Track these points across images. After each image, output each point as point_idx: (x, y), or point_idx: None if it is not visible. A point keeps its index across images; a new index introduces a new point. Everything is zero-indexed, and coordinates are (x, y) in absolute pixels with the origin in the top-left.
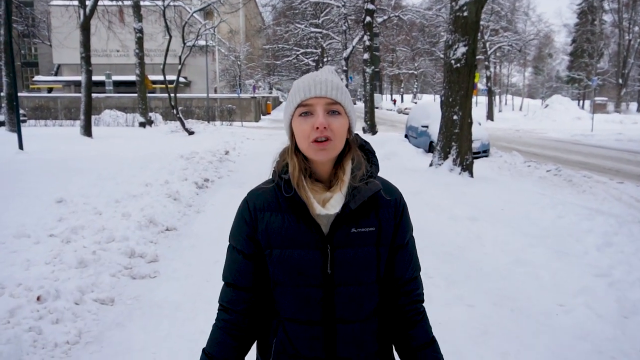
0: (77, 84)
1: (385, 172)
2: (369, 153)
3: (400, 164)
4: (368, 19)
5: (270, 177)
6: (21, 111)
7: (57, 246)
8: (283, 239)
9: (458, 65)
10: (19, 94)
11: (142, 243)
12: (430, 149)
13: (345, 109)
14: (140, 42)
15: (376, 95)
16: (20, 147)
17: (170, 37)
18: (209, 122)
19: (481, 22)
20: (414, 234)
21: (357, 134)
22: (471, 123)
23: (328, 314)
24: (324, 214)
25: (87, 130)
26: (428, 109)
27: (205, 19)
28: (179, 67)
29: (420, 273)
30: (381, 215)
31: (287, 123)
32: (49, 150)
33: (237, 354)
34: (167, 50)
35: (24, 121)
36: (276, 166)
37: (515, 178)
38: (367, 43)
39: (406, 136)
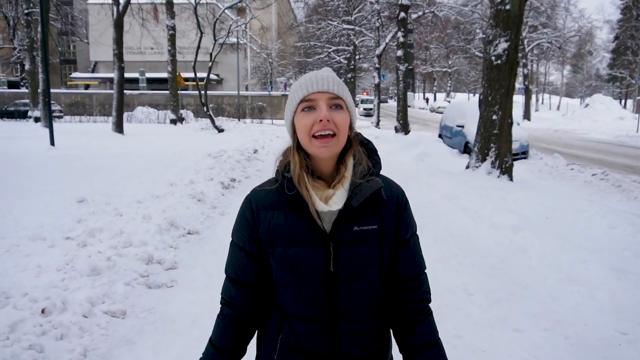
0: (112, 80)
1: (418, 173)
2: (371, 151)
3: (434, 166)
4: (402, 14)
5: (274, 175)
6: (58, 107)
7: (72, 250)
8: (286, 237)
9: (499, 62)
10: (57, 91)
11: (161, 248)
12: (465, 149)
13: (346, 104)
14: (172, 39)
15: (408, 94)
16: (52, 142)
17: (202, 34)
18: (239, 119)
19: None
20: (443, 238)
21: (358, 132)
22: (511, 123)
23: (332, 312)
24: (326, 211)
25: (118, 127)
26: (464, 108)
27: (237, 16)
28: (210, 64)
29: (459, 288)
30: (383, 212)
31: (289, 120)
32: (79, 147)
33: (241, 343)
34: (199, 47)
35: (61, 117)
36: (279, 165)
37: (558, 182)
38: (401, 40)
39: (440, 136)
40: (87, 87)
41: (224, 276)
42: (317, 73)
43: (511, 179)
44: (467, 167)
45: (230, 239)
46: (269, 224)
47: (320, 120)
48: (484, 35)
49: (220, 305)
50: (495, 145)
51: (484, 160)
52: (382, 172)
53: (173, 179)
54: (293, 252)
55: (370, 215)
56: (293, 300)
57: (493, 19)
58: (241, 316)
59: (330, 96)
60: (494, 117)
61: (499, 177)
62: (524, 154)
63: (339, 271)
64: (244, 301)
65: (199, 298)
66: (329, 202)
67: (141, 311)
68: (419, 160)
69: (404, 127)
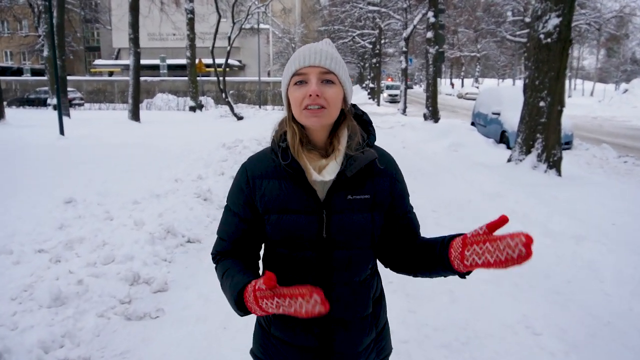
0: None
1: (453, 166)
2: (366, 123)
3: (470, 158)
4: None
5: (270, 145)
6: (78, 94)
7: (40, 269)
8: (280, 204)
9: (549, 40)
10: (78, 78)
11: (151, 263)
12: (502, 139)
13: (339, 78)
14: (191, 23)
15: None
16: (62, 132)
17: (220, 16)
18: (260, 106)
19: None
20: None
21: (354, 104)
22: (561, 111)
23: (325, 277)
24: (319, 180)
25: (134, 115)
26: (500, 93)
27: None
28: (228, 48)
29: (520, 323)
30: (376, 183)
31: (284, 93)
32: (90, 136)
33: (249, 266)
34: (217, 30)
35: (81, 104)
36: (274, 135)
37: (612, 177)
38: (432, 20)
39: (473, 124)
40: (110, 74)
41: (223, 303)
42: (311, 46)
43: (559, 174)
44: (509, 160)
45: (225, 203)
46: (264, 191)
47: (310, 95)
48: (518, 17)
49: (214, 265)
50: (542, 136)
51: (528, 152)
52: (409, 161)
53: (179, 174)
54: (287, 219)
55: (363, 185)
56: (287, 265)
57: None
58: (235, 258)
59: (322, 70)
60: (542, 103)
61: (545, 171)
62: (567, 144)
63: (331, 237)
64: (237, 253)
65: (189, 334)
66: (322, 172)
67: (112, 356)
68: (453, 151)
69: (433, 114)
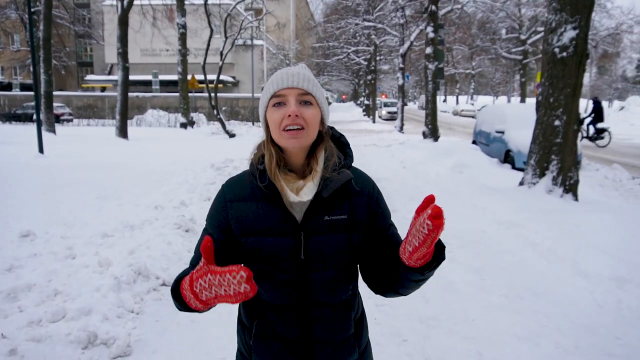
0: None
1: (459, 190)
2: (343, 145)
3: (476, 180)
4: (433, 7)
5: (248, 168)
6: (67, 110)
7: None
8: (258, 227)
9: (564, 54)
10: (69, 93)
11: (113, 317)
12: (506, 158)
13: (317, 100)
14: (183, 38)
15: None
16: (40, 150)
17: (212, 31)
18: (253, 123)
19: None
20: None
21: (331, 127)
22: (578, 130)
23: (303, 299)
24: (297, 201)
25: (122, 132)
26: (503, 111)
27: (253, 17)
28: (220, 63)
29: None
30: (353, 203)
31: (262, 115)
32: (71, 155)
33: None
34: (208, 45)
35: (70, 120)
36: (253, 157)
37: (630, 201)
38: (431, 35)
39: (474, 142)
40: (103, 89)
41: None
42: (288, 69)
43: (576, 199)
44: (521, 183)
45: (205, 222)
46: (241, 214)
47: (289, 115)
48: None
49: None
50: (557, 157)
51: (542, 175)
52: (411, 184)
53: (160, 200)
54: (264, 241)
55: (340, 206)
56: (266, 288)
57: (557, 1)
58: None
59: (300, 92)
60: (557, 122)
61: (561, 196)
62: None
63: (309, 259)
64: None
65: None
66: (299, 193)
67: None
68: (457, 173)
69: (433, 132)
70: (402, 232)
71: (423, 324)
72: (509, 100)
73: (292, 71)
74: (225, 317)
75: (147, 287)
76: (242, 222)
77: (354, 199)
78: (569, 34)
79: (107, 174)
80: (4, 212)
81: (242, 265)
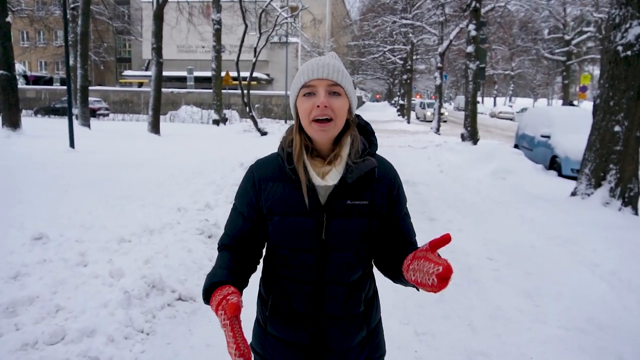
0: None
1: (503, 199)
2: (369, 133)
3: (522, 188)
4: (476, 4)
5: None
6: (104, 104)
7: None
8: (283, 206)
9: (628, 53)
10: (106, 88)
11: (119, 338)
12: (552, 165)
13: (345, 91)
14: (218, 34)
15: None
16: (72, 144)
17: (247, 26)
18: (285, 121)
19: (598, 15)
20: None
21: (358, 115)
22: None
23: (320, 276)
24: (322, 185)
25: (154, 127)
26: (550, 114)
27: (289, 14)
28: (254, 60)
29: None
30: (375, 190)
31: (292, 103)
32: (102, 150)
33: (237, 279)
34: (243, 39)
35: (107, 115)
36: (282, 141)
37: None
38: (473, 34)
39: (516, 146)
40: (140, 85)
41: None
42: (318, 60)
43: (636, 213)
44: (574, 193)
45: (233, 202)
46: (269, 193)
47: (318, 106)
48: (556, 35)
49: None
50: (616, 167)
51: (598, 185)
52: (449, 190)
53: (184, 202)
54: (289, 220)
55: (363, 192)
56: (286, 263)
57: None
58: (237, 253)
59: (329, 83)
60: (617, 128)
61: (620, 209)
62: None
63: (329, 240)
64: (239, 248)
65: None
66: (325, 177)
67: None
68: (500, 179)
69: (472, 134)
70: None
71: None
72: (549, 103)
73: (322, 62)
74: None
75: (160, 302)
76: (269, 201)
77: (376, 185)
78: (635, 30)
79: (134, 172)
80: (21, 212)
81: (248, 347)
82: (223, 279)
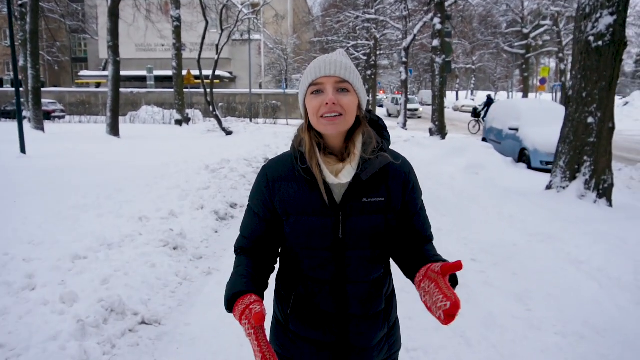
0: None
1: (478, 195)
2: (381, 128)
3: (495, 183)
4: None
5: (290, 149)
6: (60, 106)
7: None
8: (298, 206)
9: (600, 43)
10: (61, 89)
11: None
12: (520, 157)
13: (354, 87)
14: (177, 31)
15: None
16: (22, 150)
17: (207, 22)
18: (251, 120)
19: (554, 9)
20: None
21: (370, 110)
22: (613, 128)
23: (339, 275)
24: (336, 183)
25: (113, 129)
26: (517, 107)
27: (249, 9)
28: (216, 57)
29: None
30: (390, 186)
31: (301, 102)
32: (56, 155)
33: (258, 286)
34: (204, 38)
35: (62, 117)
36: (294, 140)
37: None
38: (438, 27)
39: (484, 139)
40: (98, 85)
41: None
42: (326, 57)
43: (610, 204)
44: (549, 187)
45: (248, 202)
46: (283, 194)
47: (327, 104)
48: (515, 29)
49: (234, 260)
50: (590, 159)
51: (573, 178)
52: (423, 187)
53: (146, 209)
54: (305, 220)
55: (378, 188)
56: (305, 262)
57: None
58: (254, 256)
59: (337, 80)
60: (590, 119)
61: (595, 201)
62: None
63: (346, 238)
64: (256, 250)
65: None
66: (338, 175)
67: None
68: (473, 174)
69: (440, 129)
70: None
71: None
72: (509, 96)
73: (330, 59)
74: None
75: (121, 329)
76: (284, 202)
77: (391, 181)
78: (606, 20)
79: (90, 178)
80: None
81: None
82: (244, 289)
